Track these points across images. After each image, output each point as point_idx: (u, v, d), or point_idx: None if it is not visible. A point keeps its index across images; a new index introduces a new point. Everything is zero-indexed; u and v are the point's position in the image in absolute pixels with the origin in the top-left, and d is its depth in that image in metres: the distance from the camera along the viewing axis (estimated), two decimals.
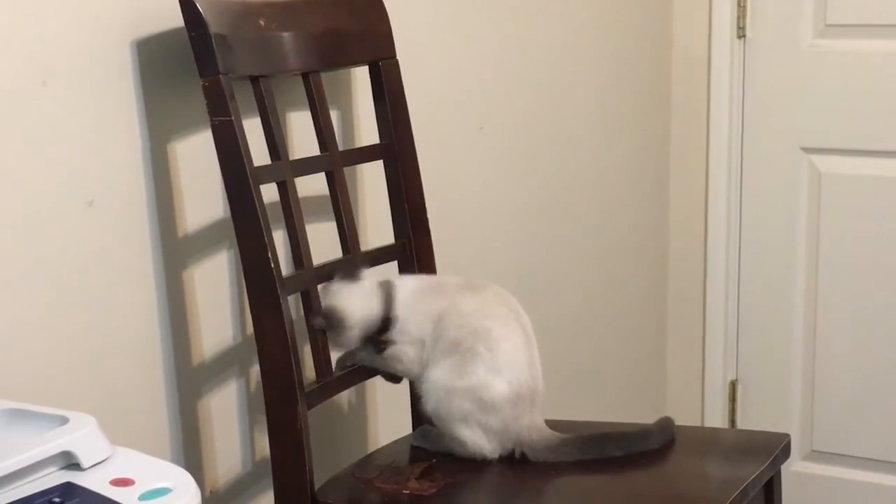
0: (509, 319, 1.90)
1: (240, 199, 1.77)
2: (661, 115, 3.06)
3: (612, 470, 1.90)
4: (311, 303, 1.89)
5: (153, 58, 1.80)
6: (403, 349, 1.91)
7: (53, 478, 1.30)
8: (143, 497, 1.28)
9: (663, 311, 3.16)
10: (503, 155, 2.55)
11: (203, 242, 1.92)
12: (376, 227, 2.14)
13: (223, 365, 1.96)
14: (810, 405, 3.04)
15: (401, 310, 1.90)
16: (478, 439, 1.87)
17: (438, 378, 1.87)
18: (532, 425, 1.88)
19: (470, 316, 1.88)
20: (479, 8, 2.44)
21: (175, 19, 1.75)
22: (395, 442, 2.02)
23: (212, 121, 1.76)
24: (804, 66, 2.93)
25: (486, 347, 1.86)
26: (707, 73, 3.01)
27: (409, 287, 1.93)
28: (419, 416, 1.97)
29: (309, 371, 1.89)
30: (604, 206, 2.89)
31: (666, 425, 1.96)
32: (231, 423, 1.98)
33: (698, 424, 3.13)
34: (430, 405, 1.89)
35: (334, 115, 2.04)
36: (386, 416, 2.24)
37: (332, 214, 1.98)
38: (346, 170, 2.01)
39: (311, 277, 1.89)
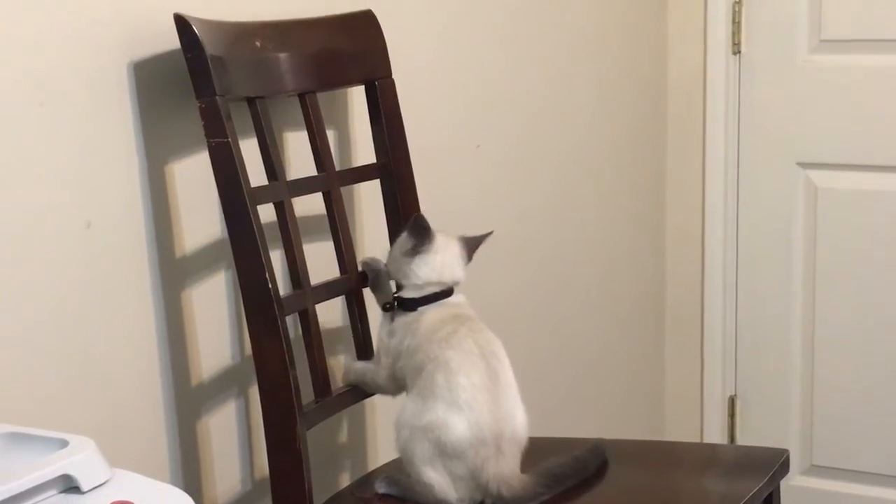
0: (472, 354, 1.79)
1: (237, 219, 1.77)
2: (657, 132, 3.07)
3: (611, 487, 1.90)
4: (309, 322, 1.89)
5: (150, 79, 1.80)
6: (373, 368, 1.92)
7: (53, 501, 1.29)
8: None
9: (661, 326, 3.16)
10: (500, 172, 2.55)
11: (201, 263, 1.92)
12: (373, 246, 2.14)
13: (222, 385, 1.97)
14: (809, 420, 3.04)
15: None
16: (444, 484, 1.77)
17: (404, 413, 1.81)
18: (500, 476, 1.76)
19: (436, 342, 1.81)
20: (474, 26, 2.45)
21: (172, 41, 1.76)
22: (394, 461, 2.02)
23: (209, 142, 1.76)
24: (799, 82, 2.94)
25: (444, 378, 1.76)
26: (703, 89, 3.02)
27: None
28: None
29: (307, 391, 1.89)
30: (601, 222, 2.89)
31: (599, 446, 1.91)
32: (230, 444, 1.98)
33: (697, 440, 3.13)
34: (398, 444, 1.82)
35: (331, 135, 2.05)
36: (385, 436, 2.24)
37: (330, 234, 1.98)
38: (343, 189, 2.01)
39: (309, 297, 1.90)
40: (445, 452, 1.76)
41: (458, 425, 1.75)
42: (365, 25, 2.05)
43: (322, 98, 1.98)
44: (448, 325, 1.83)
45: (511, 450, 1.79)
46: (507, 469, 1.77)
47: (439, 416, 1.76)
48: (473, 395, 1.76)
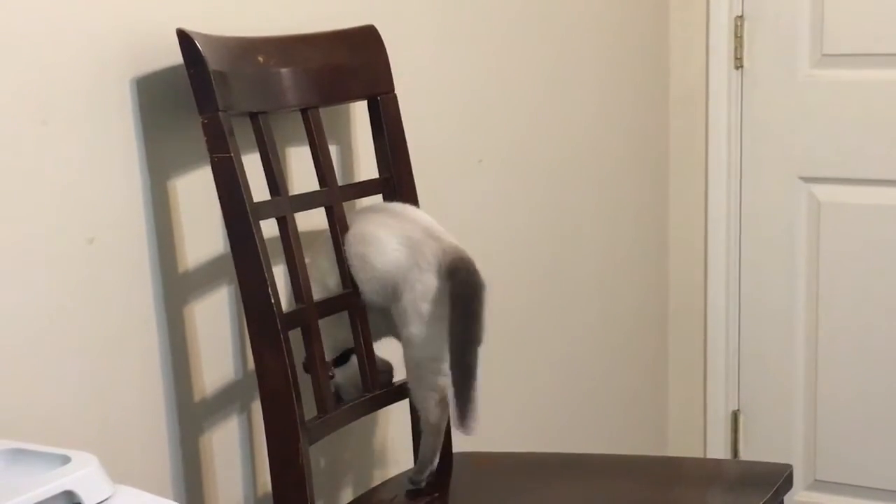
0: (371, 212, 1.97)
1: (240, 234, 1.77)
2: (659, 146, 3.07)
3: (614, 503, 1.90)
4: (311, 338, 1.89)
5: (153, 95, 1.81)
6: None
7: None
8: None
9: (664, 341, 3.16)
10: (502, 187, 2.56)
11: (203, 278, 1.92)
12: None
13: (224, 401, 1.96)
14: (813, 434, 3.04)
15: None
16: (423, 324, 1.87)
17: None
18: (446, 249, 1.90)
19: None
20: (477, 42, 2.45)
21: (174, 56, 1.76)
22: (398, 476, 2.02)
23: (211, 157, 1.76)
24: (801, 96, 2.94)
25: (371, 247, 1.91)
26: (705, 104, 3.03)
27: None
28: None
29: (310, 406, 1.89)
30: (604, 238, 2.89)
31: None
32: (233, 460, 1.98)
33: (701, 455, 3.13)
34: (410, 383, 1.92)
35: (333, 150, 2.05)
36: (389, 451, 2.24)
37: None
38: (346, 204, 2.01)
39: (312, 312, 1.89)
40: (399, 277, 1.88)
41: (387, 244, 1.90)
42: (367, 41, 2.05)
43: (325, 113, 1.99)
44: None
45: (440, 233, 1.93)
46: (449, 245, 1.90)
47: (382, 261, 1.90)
48: (383, 231, 1.91)
